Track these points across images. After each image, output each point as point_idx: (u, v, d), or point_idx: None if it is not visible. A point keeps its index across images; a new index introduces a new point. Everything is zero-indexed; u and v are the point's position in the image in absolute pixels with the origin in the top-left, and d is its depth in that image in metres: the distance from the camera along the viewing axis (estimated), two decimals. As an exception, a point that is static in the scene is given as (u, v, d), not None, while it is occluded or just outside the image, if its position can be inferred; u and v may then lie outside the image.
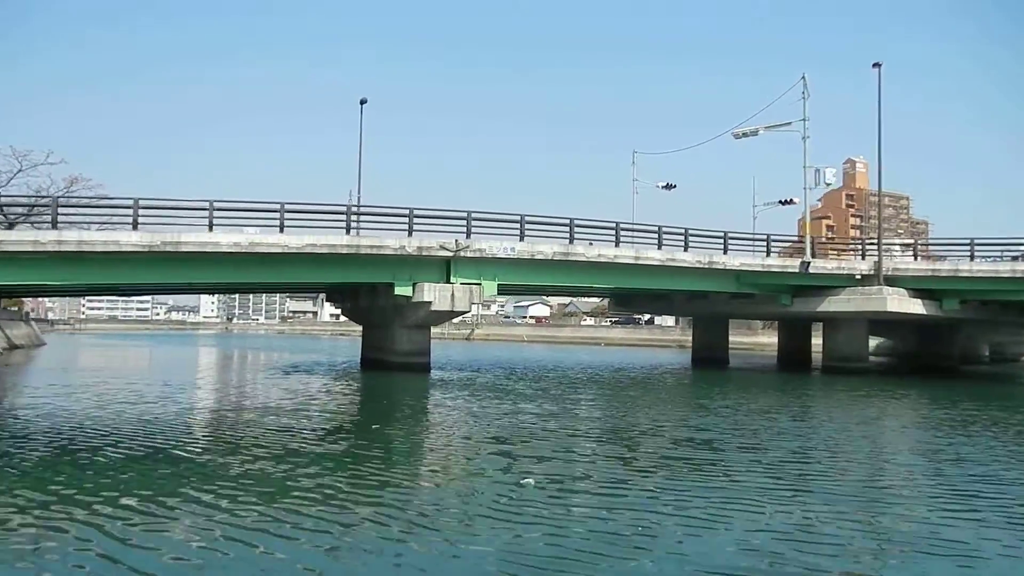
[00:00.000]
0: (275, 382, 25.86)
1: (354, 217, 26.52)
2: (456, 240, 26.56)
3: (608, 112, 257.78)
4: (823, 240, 32.99)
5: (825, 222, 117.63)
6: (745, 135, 35.00)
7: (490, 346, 75.43)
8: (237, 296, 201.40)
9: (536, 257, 27.72)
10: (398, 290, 26.59)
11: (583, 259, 28.51)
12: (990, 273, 30.54)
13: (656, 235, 30.55)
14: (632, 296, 41.54)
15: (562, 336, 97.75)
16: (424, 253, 26.20)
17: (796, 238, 32.65)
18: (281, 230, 24.27)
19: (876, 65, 32.94)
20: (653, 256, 29.90)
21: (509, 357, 47.76)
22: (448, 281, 26.87)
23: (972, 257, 31.62)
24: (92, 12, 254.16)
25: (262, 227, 24.65)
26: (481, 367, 35.27)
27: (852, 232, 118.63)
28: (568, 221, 28.75)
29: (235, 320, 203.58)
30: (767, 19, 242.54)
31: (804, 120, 32.79)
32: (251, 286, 35.64)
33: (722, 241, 31.91)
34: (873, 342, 60.76)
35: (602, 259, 28.83)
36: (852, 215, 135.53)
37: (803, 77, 32.92)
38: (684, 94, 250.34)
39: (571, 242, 28.54)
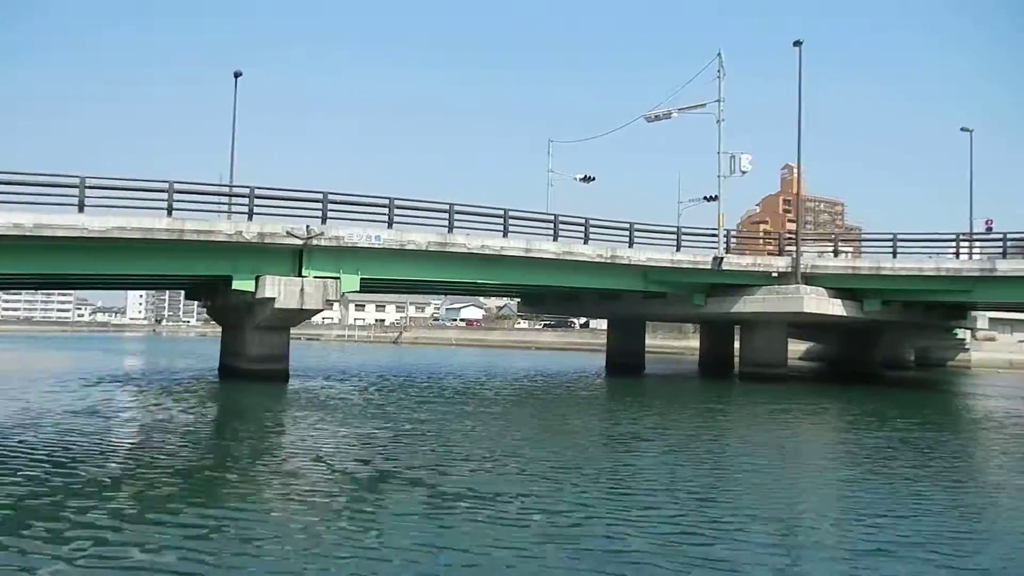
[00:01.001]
0: (76, 397, 21.28)
1: (188, 198, 22.09)
2: (308, 226, 22.49)
3: (527, 103, 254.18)
4: (738, 235, 30.04)
5: (763, 226, 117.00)
6: (658, 118, 31.83)
7: (416, 351, 71.24)
8: (168, 294, 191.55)
9: (407, 247, 23.84)
10: (237, 284, 22.38)
11: (464, 250, 24.75)
12: (913, 271, 27.95)
13: (552, 225, 27.03)
14: (541, 296, 38.06)
15: (492, 340, 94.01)
16: (268, 240, 22.04)
17: (715, 232, 29.55)
18: (80, 209, 19.81)
19: (797, 44, 30.23)
20: (547, 248, 26.33)
21: (413, 363, 43.80)
22: (299, 274, 22.79)
23: (895, 254, 29.03)
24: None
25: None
26: (361, 374, 31.18)
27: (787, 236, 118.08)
28: (447, 207, 24.95)
29: (164, 322, 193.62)
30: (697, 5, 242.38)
31: (719, 101, 29.77)
32: (41, 279, 27.67)
33: (627, 233, 28.59)
34: (803, 346, 58.99)
35: (487, 251, 25.13)
36: (789, 220, 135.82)
37: (719, 54, 29.89)
38: (605, 83, 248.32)
39: (450, 231, 24.74)
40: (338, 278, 23.15)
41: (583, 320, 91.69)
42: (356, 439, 13.52)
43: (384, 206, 23.95)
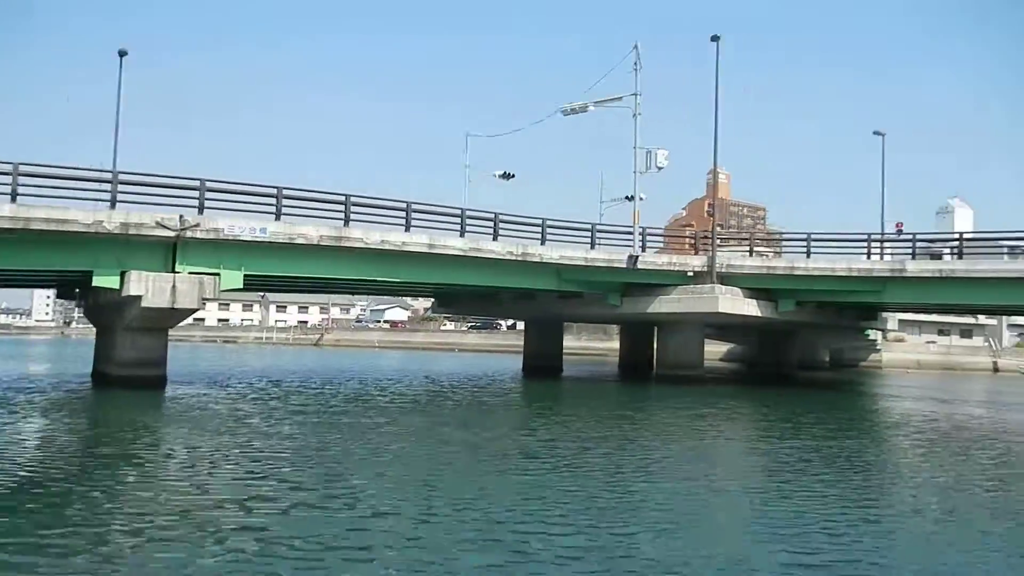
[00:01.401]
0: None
1: (38, 182, 19.49)
2: (181, 216, 20.22)
3: (443, 94, 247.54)
4: (655, 233, 29.25)
5: (688, 230, 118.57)
6: (574, 111, 30.71)
7: (337, 353, 68.35)
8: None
9: (296, 241, 21.84)
10: (98, 280, 19.97)
11: (361, 245, 22.90)
12: (826, 271, 27.63)
13: (459, 220, 25.45)
14: (456, 296, 36.47)
15: (416, 342, 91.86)
16: (134, 232, 19.69)
17: (630, 229, 28.60)
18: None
19: (715, 39, 29.64)
20: (453, 245, 24.74)
21: (322, 366, 41.43)
22: (173, 270, 20.49)
23: (808, 254, 28.71)
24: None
25: None
26: (252, 380, 28.84)
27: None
28: (343, 198, 23.07)
29: (74, 324, 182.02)
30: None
31: (636, 95, 28.86)
32: None
33: (540, 230, 27.30)
34: (724, 348, 59.31)
35: (387, 246, 23.34)
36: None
37: (635, 47, 28.97)
38: (525, 77, 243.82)
39: (346, 224, 22.87)
40: (217, 274, 20.96)
41: (511, 322, 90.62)
42: (179, 461, 11.61)
43: (271, 195, 21.90)
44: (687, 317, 28.84)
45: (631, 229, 28.69)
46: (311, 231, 22.11)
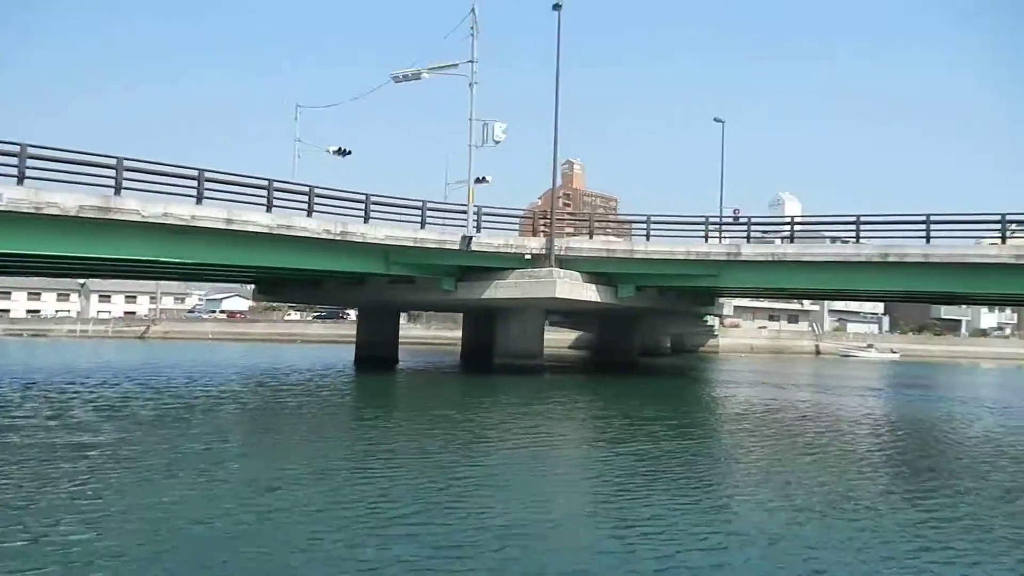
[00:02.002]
0: None
1: None
2: None
3: (272, 65, 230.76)
4: (493, 212, 27.29)
5: (542, 220, 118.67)
6: (407, 78, 27.97)
7: (164, 346, 61.38)
8: None
9: (46, 211, 17.68)
10: None
11: (138, 219, 19.02)
12: (664, 254, 26.84)
13: (265, 192, 22.05)
14: (280, 281, 32.79)
15: (256, 333, 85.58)
16: None
17: (464, 208, 26.37)
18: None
19: (556, 7, 27.97)
20: (257, 220, 21.35)
21: (119, 362, 36.19)
22: None
23: (648, 237, 27.87)
24: None
25: None
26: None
27: (568, 231, 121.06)
28: (114, 161, 19.05)
29: None
30: None
31: (472, 62, 26.62)
32: None
33: (363, 207, 24.43)
34: (573, 335, 59.14)
35: (171, 220, 19.59)
36: (569, 214, 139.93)
37: (472, 10, 26.70)
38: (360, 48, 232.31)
39: (118, 193, 18.93)
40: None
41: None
42: None
43: (12, 154, 17.54)
44: (525, 303, 27.15)
45: (463, 207, 26.49)
46: (67, 200, 17.99)
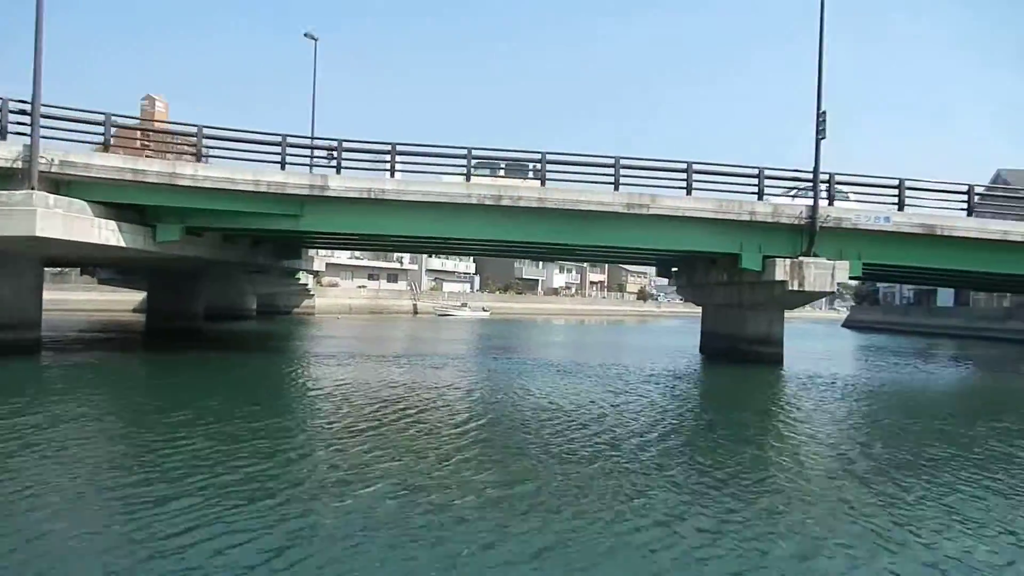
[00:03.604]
0: None
1: None
2: None
3: None
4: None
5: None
6: None
7: None
8: None
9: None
10: None
11: None
12: (223, 182, 19.05)
13: None
14: None
15: None
16: None
17: None
18: None
19: None
20: None
21: None
22: None
23: (201, 157, 19.83)
24: None
25: None
26: None
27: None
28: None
29: None
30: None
31: None
32: None
33: None
34: (139, 296, 46.68)
35: None
36: (148, 154, 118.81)
37: None
38: None
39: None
40: None
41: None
42: None
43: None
44: (-9, 246, 17.02)
45: None
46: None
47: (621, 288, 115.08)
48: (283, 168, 20.02)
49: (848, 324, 79.59)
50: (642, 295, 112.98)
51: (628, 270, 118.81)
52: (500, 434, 10.99)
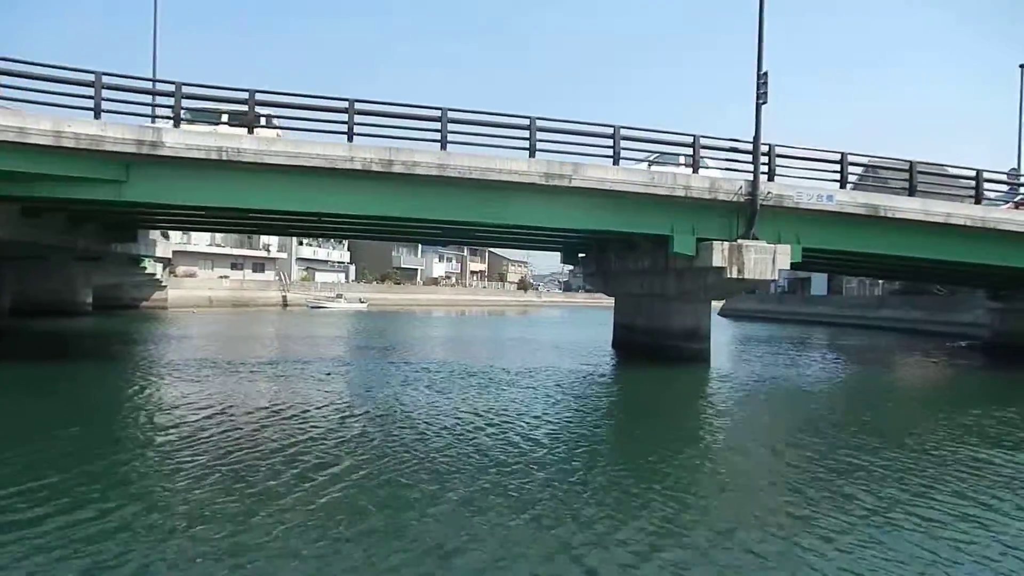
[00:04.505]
0: None
1: None
2: None
3: None
4: None
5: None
6: None
7: None
8: None
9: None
10: None
11: None
12: (13, 133, 14.01)
13: None
14: None
15: None
16: None
17: None
18: None
19: None
20: None
21: None
22: None
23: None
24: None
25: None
26: None
27: None
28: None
29: None
30: None
31: None
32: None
33: None
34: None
35: None
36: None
37: None
38: None
39: None
40: None
41: None
42: None
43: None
44: None
45: None
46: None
47: (502, 278, 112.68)
48: (97, 116, 15.03)
49: (724, 313, 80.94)
50: (523, 285, 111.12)
51: (509, 259, 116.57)
52: (383, 471, 7.31)
